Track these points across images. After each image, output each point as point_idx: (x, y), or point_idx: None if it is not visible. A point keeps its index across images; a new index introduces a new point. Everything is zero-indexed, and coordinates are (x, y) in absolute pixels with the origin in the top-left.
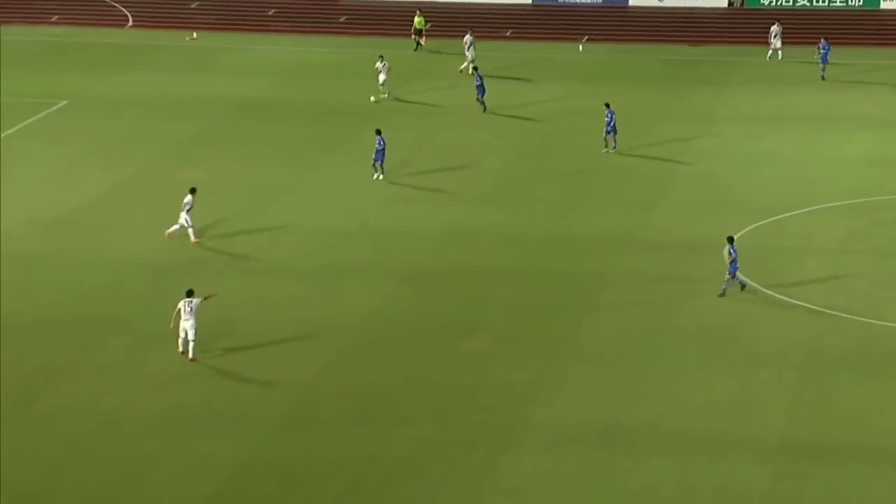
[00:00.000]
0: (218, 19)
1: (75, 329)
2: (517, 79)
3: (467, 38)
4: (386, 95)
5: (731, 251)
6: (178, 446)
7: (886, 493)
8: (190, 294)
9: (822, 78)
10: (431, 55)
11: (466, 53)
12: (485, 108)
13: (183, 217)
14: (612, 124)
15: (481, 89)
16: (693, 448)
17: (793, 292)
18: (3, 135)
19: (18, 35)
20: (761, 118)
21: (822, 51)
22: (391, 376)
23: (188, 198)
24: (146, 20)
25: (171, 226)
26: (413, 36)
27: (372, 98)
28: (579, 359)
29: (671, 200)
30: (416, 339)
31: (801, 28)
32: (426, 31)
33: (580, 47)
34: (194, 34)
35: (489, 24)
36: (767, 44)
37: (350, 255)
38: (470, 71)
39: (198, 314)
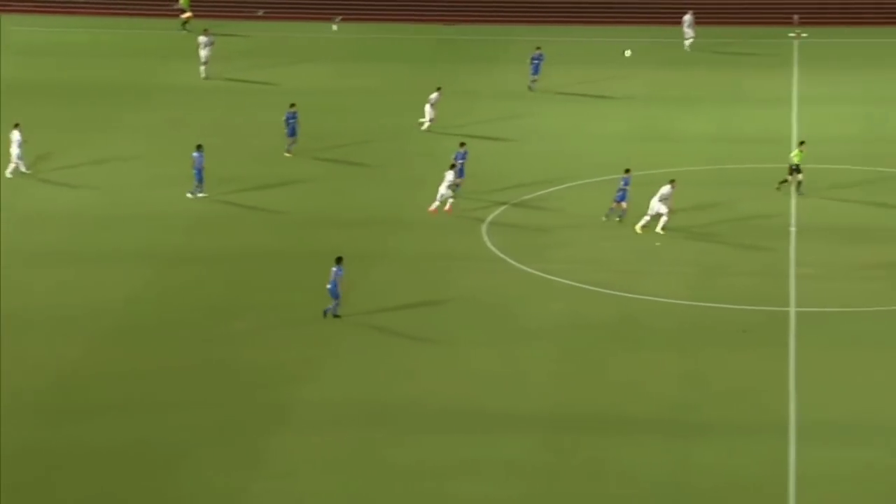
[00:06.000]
0: None
1: None
2: (273, 59)
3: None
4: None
5: (337, 272)
6: None
7: (651, 460)
8: None
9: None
10: (194, 35)
11: (201, 53)
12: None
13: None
14: (292, 126)
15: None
16: (461, 423)
17: (555, 268)
18: None
19: None
20: (525, 96)
21: (535, 61)
22: (157, 361)
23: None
24: None
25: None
26: (178, 14)
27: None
28: (348, 337)
29: (437, 179)
30: (180, 322)
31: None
32: (191, 8)
33: (334, 27)
34: None
35: (225, 4)
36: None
37: (107, 240)
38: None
39: None
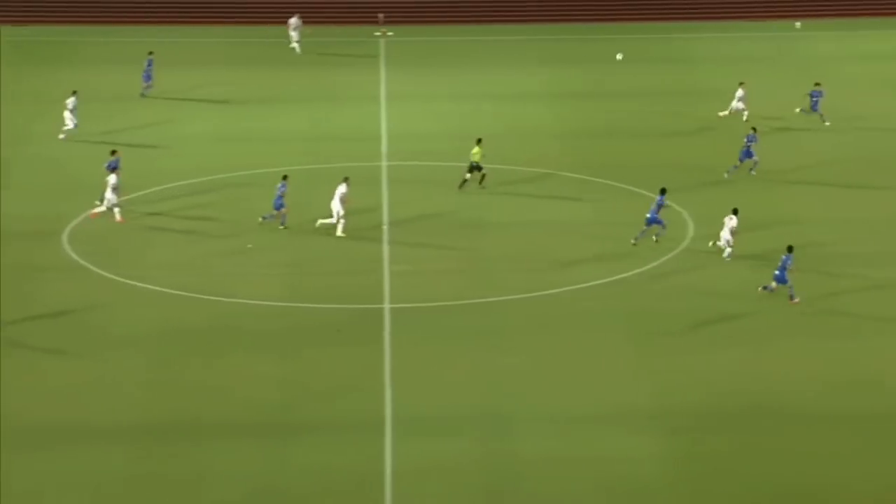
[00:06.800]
0: None
1: None
2: None
3: None
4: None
5: None
6: None
7: (249, 465)
8: None
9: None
10: None
11: None
12: None
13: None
14: None
15: None
16: (46, 440)
17: (142, 274)
18: None
19: None
20: (103, 98)
21: (147, 67)
22: None
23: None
24: None
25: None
26: None
27: None
28: None
29: (13, 187)
30: None
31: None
32: None
33: None
34: None
35: None
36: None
37: None
38: None
39: None
